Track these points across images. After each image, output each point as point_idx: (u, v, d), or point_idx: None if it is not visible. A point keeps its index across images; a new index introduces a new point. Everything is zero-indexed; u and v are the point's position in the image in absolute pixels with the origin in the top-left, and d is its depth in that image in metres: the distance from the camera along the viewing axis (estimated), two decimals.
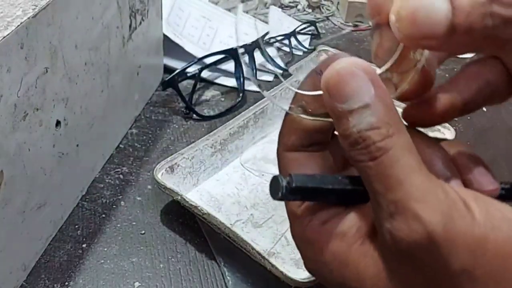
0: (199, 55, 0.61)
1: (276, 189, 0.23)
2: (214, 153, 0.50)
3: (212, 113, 0.59)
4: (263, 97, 0.57)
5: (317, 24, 0.71)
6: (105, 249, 0.44)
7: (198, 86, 0.60)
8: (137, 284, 0.41)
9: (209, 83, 0.64)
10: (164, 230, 0.46)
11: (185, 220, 0.47)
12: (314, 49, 0.66)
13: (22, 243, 0.39)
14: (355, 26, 0.78)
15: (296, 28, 0.70)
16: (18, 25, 0.33)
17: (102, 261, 0.43)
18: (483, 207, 0.21)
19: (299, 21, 0.74)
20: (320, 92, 0.23)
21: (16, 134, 0.35)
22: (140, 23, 0.53)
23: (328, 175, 0.25)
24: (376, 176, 0.21)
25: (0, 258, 0.37)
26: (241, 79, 0.61)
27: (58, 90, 0.39)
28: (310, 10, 0.69)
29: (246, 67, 0.60)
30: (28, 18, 0.33)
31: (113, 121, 0.51)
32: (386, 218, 0.21)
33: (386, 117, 0.21)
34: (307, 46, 0.70)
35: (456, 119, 0.60)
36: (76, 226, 0.45)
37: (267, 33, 0.66)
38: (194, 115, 0.58)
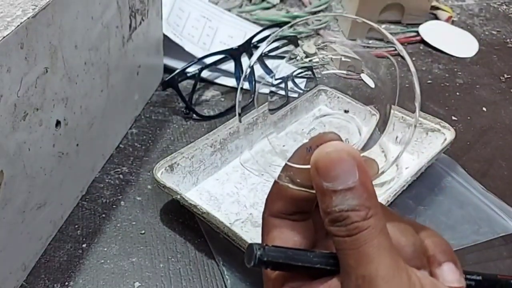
0: (199, 55, 0.61)
1: (250, 257, 0.25)
2: (213, 153, 0.50)
3: (212, 113, 0.59)
4: (263, 97, 0.57)
5: (313, 69, 0.72)
6: (105, 249, 0.44)
7: (198, 86, 0.60)
8: (137, 284, 0.42)
9: (209, 83, 0.64)
10: (164, 229, 0.46)
11: (185, 220, 0.47)
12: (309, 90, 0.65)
13: (22, 243, 0.39)
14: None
15: (293, 72, 0.70)
16: (18, 25, 0.33)
17: (102, 261, 0.43)
18: None
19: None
20: (308, 167, 0.25)
21: (16, 134, 0.35)
22: (140, 23, 0.53)
23: (301, 250, 0.27)
24: (349, 250, 0.24)
25: (0, 258, 0.37)
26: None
27: (58, 90, 0.39)
28: (307, 60, 0.72)
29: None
30: (28, 18, 0.34)
31: (113, 121, 0.51)
32: None
33: (366, 201, 0.24)
34: (303, 88, 0.70)
35: (455, 119, 0.60)
36: (76, 226, 0.46)
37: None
38: (194, 115, 0.58)
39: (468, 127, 0.60)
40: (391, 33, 0.76)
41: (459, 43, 0.76)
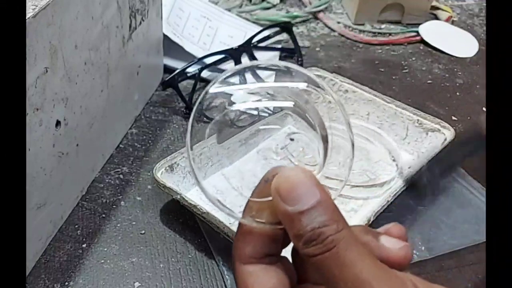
0: (199, 55, 0.61)
1: None
2: None
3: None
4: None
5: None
6: (105, 249, 0.44)
7: (198, 86, 0.60)
8: (137, 284, 0.42)
9: (209, 83, 0.64)
10: (164, 229, 0.46)
11: (185, 220, 0.47)
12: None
13: None
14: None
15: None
16: None
17: (102, 261, 0.43)
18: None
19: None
20: (270, 198, 0.26)
21: None
22: (140, 23, 0.53)
23: None
24: (333, 262, 0.24)
25: None
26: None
27: (58, 90, 0.39)
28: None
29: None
30: (28, 18, 0.34)
31: (113, 121, 0.51)
32: None
33: (333, 215, 0.24)
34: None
35: (455, 119, 0.60)
36: (76, 226, 0.46)
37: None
38: None
39: (468, 127, 0.60)
40: (391, 33, 0.76)
41: (459, 43, 0.76)
